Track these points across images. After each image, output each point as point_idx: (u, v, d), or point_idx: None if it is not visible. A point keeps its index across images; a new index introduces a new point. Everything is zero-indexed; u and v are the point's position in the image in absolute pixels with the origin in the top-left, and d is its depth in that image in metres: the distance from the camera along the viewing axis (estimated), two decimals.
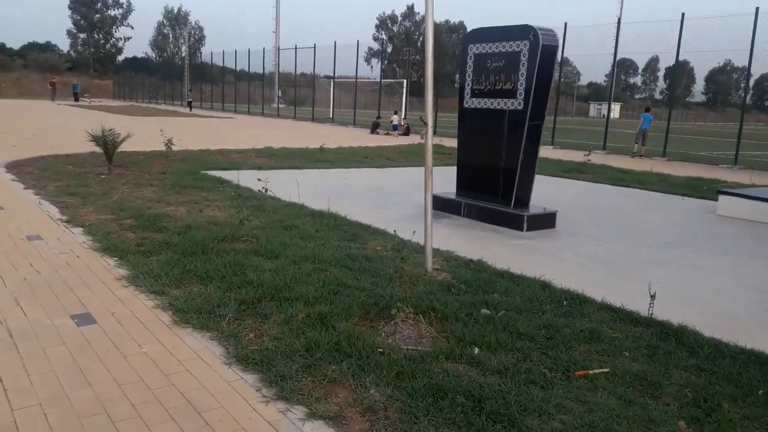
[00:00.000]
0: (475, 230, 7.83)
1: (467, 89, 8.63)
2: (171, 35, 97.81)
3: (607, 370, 3.77)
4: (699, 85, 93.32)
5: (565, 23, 23.51)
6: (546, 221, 8.06)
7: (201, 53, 75.04)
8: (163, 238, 6.34)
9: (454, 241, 7.08)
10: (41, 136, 18.84)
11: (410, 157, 17.27)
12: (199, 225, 7.01)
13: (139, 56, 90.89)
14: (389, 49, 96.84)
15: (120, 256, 5.64)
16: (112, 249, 5.86)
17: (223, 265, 5.31)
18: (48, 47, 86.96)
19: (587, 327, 4.44)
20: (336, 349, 3.71)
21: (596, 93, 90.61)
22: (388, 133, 27.26)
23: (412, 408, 3.16)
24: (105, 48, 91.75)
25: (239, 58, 46.97)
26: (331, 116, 38.87)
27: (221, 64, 53.18)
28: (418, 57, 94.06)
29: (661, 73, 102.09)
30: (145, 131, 20.60)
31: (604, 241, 7.53)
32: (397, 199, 9.99)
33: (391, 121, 27.90)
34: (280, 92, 53.75)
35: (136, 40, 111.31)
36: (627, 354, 4.06)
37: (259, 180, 8.27)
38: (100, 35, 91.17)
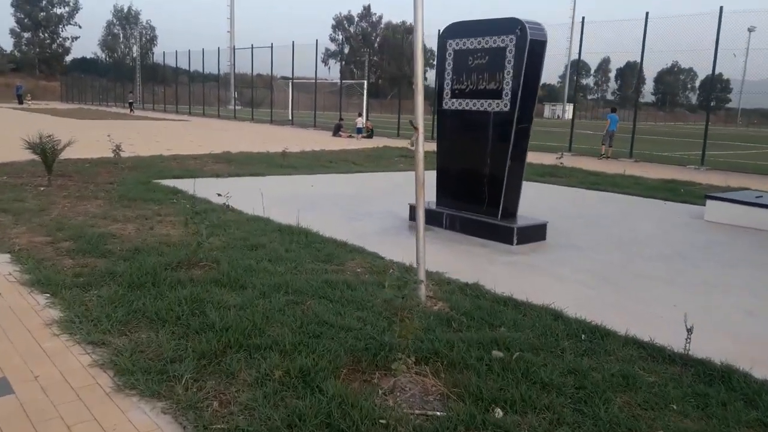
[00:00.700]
0: (461, 244, 7.10)
1: (446, 89, 7.90)
2: (121, 35, 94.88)
3: None
4: (648, 86, 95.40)
5: None
6: (536, 233, 7.39)
7: (153, 53, 72.86)
8: (106, 265, 5.41)
9: (440, 259, 6.34)
10: None
11: (376, 161, 16.50)
12: (149, 247, 6.09)
13: (88, 57, 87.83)
14: (346, 50, 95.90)
15: (53, 292, 4.70)
16: (43, 282, 4.91)
17: (177, 301, 4.43)
18: None
19: (618, 370, 3.75)
20: (326, 423, 2.90)
21: (550, 94, 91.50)
22: (351, 136, 26.45)
23: None
24: (51, 48, 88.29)
25: (193, 58, 45.45)
26: (290, 118, 37.83)
27: (174, 65, 51.56)
28: (375, 58, 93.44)
29: (612, 74, 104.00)
30: (92, 136, 19.32)
31: (599, 254, 6.90)
32: (369, 209, 9.20)
33: (356, 124, 27.07)
34: (236, 93, 52.33)
35: (84, 40, 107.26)
36: (674, 407, 3.37)
37: (219, 195, 7.40)
38: (46, 34, 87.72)
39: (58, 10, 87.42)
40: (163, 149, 16.71)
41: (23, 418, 2.96)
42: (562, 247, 7.15)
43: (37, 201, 8.42)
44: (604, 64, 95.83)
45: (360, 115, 28.73)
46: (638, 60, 21.01)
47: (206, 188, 10.21)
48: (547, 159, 17.75)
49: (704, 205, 10.72)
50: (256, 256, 5.97)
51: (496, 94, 7.30)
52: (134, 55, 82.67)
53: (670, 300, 5.35)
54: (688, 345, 4.01)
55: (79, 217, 7.56)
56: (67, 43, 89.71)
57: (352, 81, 51.32)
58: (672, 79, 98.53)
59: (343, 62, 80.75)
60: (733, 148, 28.78)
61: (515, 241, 7.09)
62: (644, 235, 8.20)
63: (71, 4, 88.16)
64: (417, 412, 3.13)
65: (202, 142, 19.92)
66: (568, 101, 70.34)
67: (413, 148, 4.76)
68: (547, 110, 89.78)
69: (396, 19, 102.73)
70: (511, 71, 7.13)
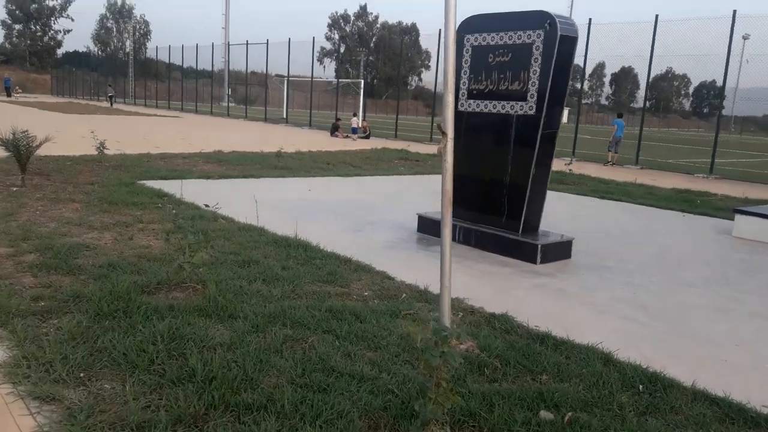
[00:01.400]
0: (478, 263, 6.34)
1: (462, 89, 7.15)
2: (114, 29, 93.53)
3: None
4: (642, 92, 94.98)
5: None
6: (561, 251, 6.65)
7: (146, 48, 71.87)
8: (73, 285, 4.61)
9: (458, 281, 5.57)
10: None
11: (376, 163, 15.73)
12: (126, 262, 5.29)
13: (80, 50, 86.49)
14: (342, 49, 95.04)
15: (2, 322, 3.91)
16: None
17: (152, 337, 3.65)
18: None
19: None
20: None
21: None
22: (347, 136, 25.65)
23: None
24: (43, 41, 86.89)
25: (186, 53, 44.54)
26: (284, 117, 36.98)
27: (167, 60, 50.58)
28: (370, 58, 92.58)
29: (607, 79, 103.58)
30: (79, 131, 18.46)
31: (634, 277, 6.16)
32: (372, 218, 8.44)
33: (351, 124, 26.25)
34: (229, 90, 51.43)
35: (76, 33, 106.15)
36: None
37: (207, 206, 6.61)
38: (38, 27, 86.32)
39: (51, 2, 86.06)
40: (151, 147, 15.87)
41: None
42: (591, 268, 6.41)
43: (5, 204, 7.60)
44: (599, 68, 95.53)
45: (355, 114, 27.94)
46: (632, 65, 20.44)
47: (195, 191, 9.42)
48: (554, 165, 17.04)
49: (725, 218, 10.17)
50: (248, 274, 5.19)
51: (521, 96, 6.55)
52: (127, 49, 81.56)
53: (730, 337, 4.62)
54: None
55: (51, 223, 6.75)
56: (59, 36, 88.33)
57: (349, 80, 50.55)
58: (666, 85, 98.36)
59: (339, 61, 79.90)
60: (734, 156, 28.20)
61: (539, 260, 6.35)
62: (675, 253, 7.48)
63: None
64: None
65: (192, 140, 19.08)
66: (566, 105, 69.84)
67: (440, 154, 3.99)
68: None
69: (392, 20, 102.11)
70: (538, 70, 6.39)
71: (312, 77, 34.29)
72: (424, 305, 4.78)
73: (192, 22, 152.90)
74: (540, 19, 6.34)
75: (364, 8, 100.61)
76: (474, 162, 7.10)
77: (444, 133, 3.86)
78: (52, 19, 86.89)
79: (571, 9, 48.62)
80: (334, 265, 5.70)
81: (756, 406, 3.39)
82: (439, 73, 25.02)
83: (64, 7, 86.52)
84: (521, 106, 6.57)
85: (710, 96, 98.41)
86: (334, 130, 26.55)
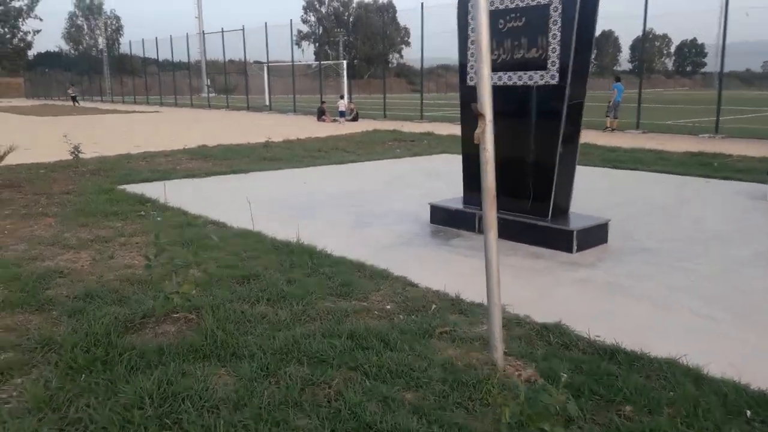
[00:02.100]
0: (507, 257, 5.61)
1: (471, 61, 6.37)
2: (85, 26, 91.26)
3: None
4: (625, 54, 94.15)
5: None
6: (597, 236, 5.94)
7: (120, 44, 70.08)
8: (42, 328, 3.85)
9: (483, 282, 4.87)
10: None
11: (370, 147, 14.93)
12: (105, 290, 4.53)
13: (52, 50, 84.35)
14: (320, 31, 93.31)
15: None
16: None
17: (139, 400, 2.90)
18: None
19: None
20: None
21: None
22: (335, 120, 24.77)
23: None
24: (12, 43, 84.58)
25: (161, 46, 43.30)
26: (267, 104, 35.96)
27: (142, 55, 49.27)
28: (349, 38, 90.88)
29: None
30: (54, 135, 17.48)
31: (682, 260, 5.46)
32: (378, 209, 7.69)
33: (338, 107, 25.33)
34: (208, 81, 50.17)
35: (46, 33, 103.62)
36: None
37: (194, 222, 5.84)
38: (6, 29, 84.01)
39: (17, 3, 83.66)
40: (131, 146, 14.99)
41: None
42: (633, 253, 5.70)
43: None
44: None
45: (342, 97, 26.98)
46: (612, 29, 19.67)
47: (180, 193, 8.63)
48: None
49: (752, 181, 9.57)
50: (249, 294, 4.45)
51: (540, 64, 5.79)
52: (100, 46, 79.62)
53: None
54: None
55: (20, 245, 5.96)
56: (29, 37, 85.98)
57: (331, 62, 49.39)
58: (648, 45, 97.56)
59: (317, 44, 78.22)
60: (731, 113, 27.52)
61: (575, 248, 5.64)
62: (713, 226, 6.79)
63: None
64: None
65: (174, 136, 18.19)
66: None
67: (478, 143, 3.25)
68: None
69: None
70: (558, 34, 5.62)
71: (293, 61, 33.25)
72: (459, 318, 4.06)
73: (164, 14, 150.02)
74: None
75: None
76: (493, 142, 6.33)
77: (480, 115, 3.11)
78: (20, 20, 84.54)
79: None
80: (346, 273, 4.96)
81: None
82: (427, 48, 24.15)
83: (31, 8, 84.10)
84: (541, 75, 5.81)
85: (692, 54, 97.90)
86: (321, 114, 25.66)
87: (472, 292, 4.51)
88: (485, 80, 3.18)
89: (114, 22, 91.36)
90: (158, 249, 3.84)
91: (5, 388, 3.13)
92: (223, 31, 36.17)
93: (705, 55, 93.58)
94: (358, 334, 3.69)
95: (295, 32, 45.05)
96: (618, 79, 20.51)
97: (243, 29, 33.88)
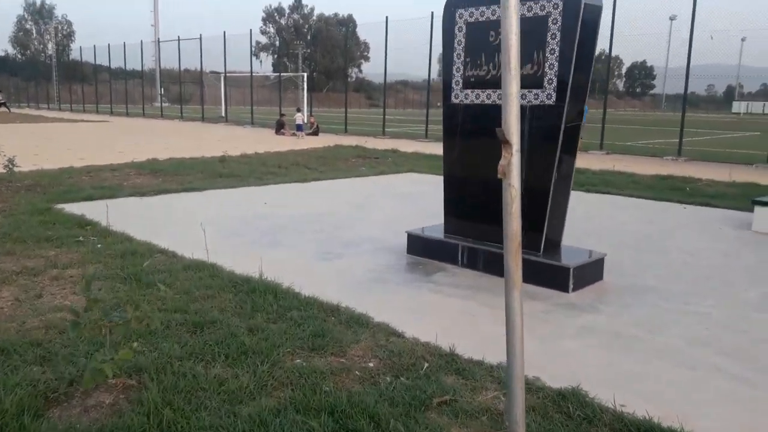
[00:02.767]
0: (496, 296, 4.98)
1: (456, 76, 5.78)
2: (34, 30, 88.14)
3: None
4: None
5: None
6: (593, 272, 5.39)
7: (70, 50, 67.70)
8: None
9: (483, 331, 4.25)
10: None
11: (333, 163, 14.23)
12: (27, 343, 3.71)
13: None
14: (278, 43, 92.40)
15: None
16: None
17: None
18: None
19: None
20: None
21: None
22: (294, 133, 23.97)
23: None
24: None
25: (114, 53, 41.79)
26: (224, 115, 34.89)
27: (94, 61, 47.51)
28: (308, 51, 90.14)
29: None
30: None
31: (689, 302, 4.94)
32: (348, 236, 7.00)
33: (295, 120, 24.47)
34: (162, 90, 48.68)
35: None
36: None
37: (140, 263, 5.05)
38: None
39: None
40: (74, 159, 13.92)
41: None
42: (634, 293, 5.16)
43: None
44: None
45: (299, 110, 26.08)
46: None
47: (126, 214, 7.78)
48: None
49: (729, 208, 9.33)
50: (202, 348, 3.69)
51: (535, 82, 5.23)
52: (50, 52, 76.89)
53: None
54: None
55: None
56: None
57: (291, 74, 48.58)
58: (600, 66, 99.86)
59: (276, 55, 77.15)
60: (686, 134, 27.85)
61: (571, 287, 5.06)
62: (710, 261, 6.34)
63: None
64: None
65: (123, 148, 17.13)
66: None
67: (502, 177, 2.62)
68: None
69: (328, 11, 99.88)
70: (557, 49, 5.08)
71: (251, 72, 32.35)
72: (458, 381, 3.41)
73: (118, 20, 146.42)
74: None
75: (299, 0, 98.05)
76: (477, 165, 5.76)
77: (506, 143, 2.48)
78: None
79: None
80: (318, 318, 4.25)
81: None
82: (392, 62, 23.69)
83: None
84: (536, 94, 5.25)
85: (642, 76, 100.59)
86: (280, 127, 24.85)
87: (467, 344, 3.87)
88: (513, 99, 2.55)
89: (65, 27, 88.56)
90: (89, 302, 3.06)
91: None
92: (179, 40, 35.07)
93: (654, 77, 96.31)
94: (339, 409, 2.99)
95: (254, 43, 44.14)
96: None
97: (200, 38, 32.87)
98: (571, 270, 5.06)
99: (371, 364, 3.62)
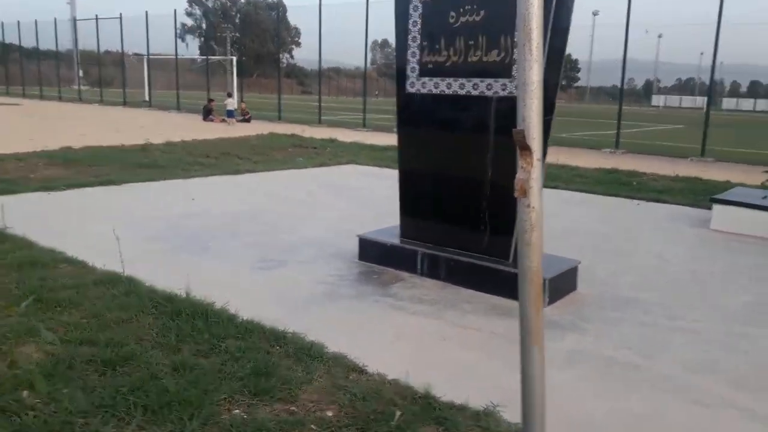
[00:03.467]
0: (464, 314, 4.38)
1: (412, 62, 5.12)
2: None
3: None
4: None
5: None
6: (568, 282, 4.88)
7: None
8: None
9: (451, 361, 3.64)
10: None
11: (268, 154, 13.32)
12: None
13: None
14: (204, 26, 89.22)
15: None
16: None
17: None
18: None
19: None
20: None
21: None
22: (223, 120, 22.75)
23: None
24: None
25: (24, 31, 38.87)
26: (147, 99, 33.02)
27: (2, 40, 44.11)
28: (237, 34, 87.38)
29: None
30: None
31: (676, 319, 4.47)
32: (289, 240, 6.24)
33: (225, 106, 23.20)
34: (80, 72, 45.83)
35: None
36: None
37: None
38: None
39: None
40: None
41: None
42: (612, 306, 4.67)
43: None
44: None
45: (230, 95, 24.77)
46: None
47: (30, 213, 6.76)
48: None
49: (680, 204, 9.15)
50: (114, 398, 2.91)
51: (502, 71, 4.63)
52: None
53: None
54: None
55: None
56: None
57: (220, 57, 46.67)
58: None
59: (203, 38, 74.32)
60: (611, 127, 28.43)
61: (547, 300, 4.52)
62: (682, 265, 5.96)
63: None
64: None
65: (34, 134, 15.60)
66: None
67: (521, 196, 1.98)
68: None
69: None
70: None
71: (176, 55, 30.66)
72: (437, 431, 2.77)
73: None
74: None
75: None
76: (437, 161, 5.12)
77: (526, 149, 1.84)
78: None
79: None
80: (259, 350, 3.52)
81: None
82: (317, 49, 22.83)
83: None
84: (503, 85, 4.65)
85: (567, 69, 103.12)
86: (208, 113, 23.55)
87: (443, 378, 3.26)
88: (535, 91, 1.91)
89: None
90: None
91: None
92: (97, 18, 32.86)
93: (579, 70, 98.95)
94: None
95: (179, 25, 42.10)
96: None
97: (120, 17, 30.86)
98: (547, 282, 4.51)
99: (329, 414, 2.93)
